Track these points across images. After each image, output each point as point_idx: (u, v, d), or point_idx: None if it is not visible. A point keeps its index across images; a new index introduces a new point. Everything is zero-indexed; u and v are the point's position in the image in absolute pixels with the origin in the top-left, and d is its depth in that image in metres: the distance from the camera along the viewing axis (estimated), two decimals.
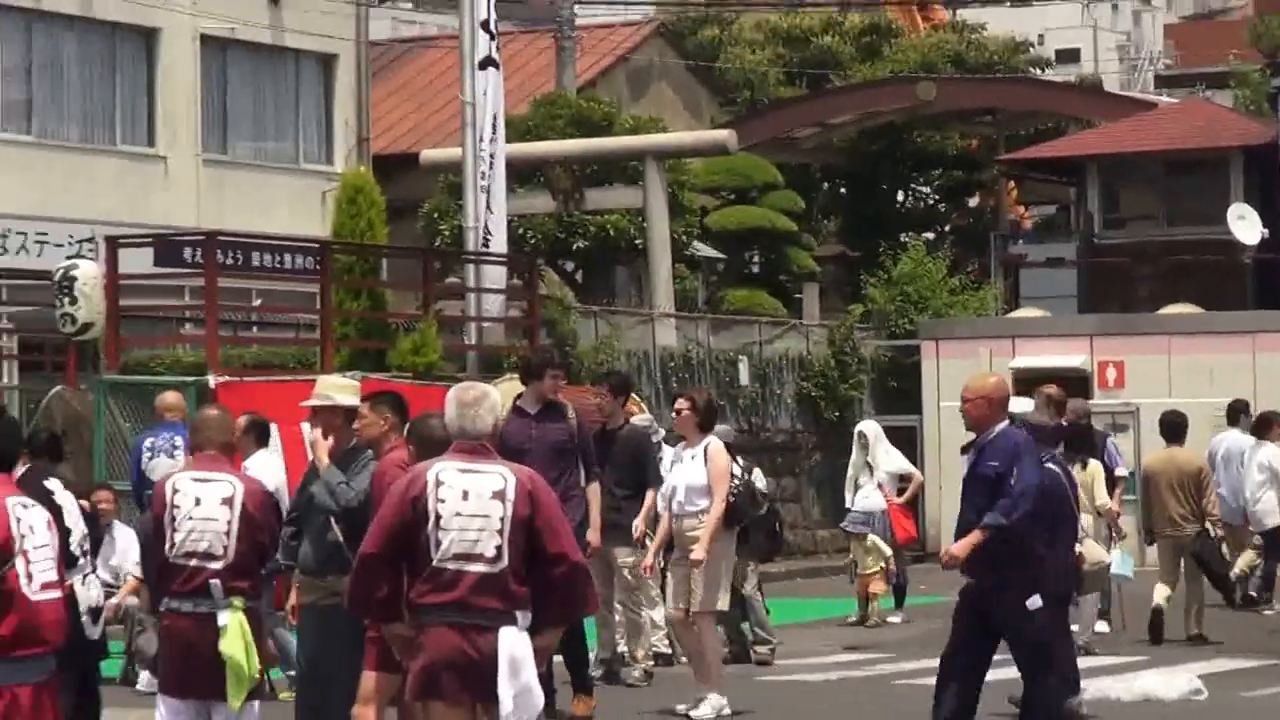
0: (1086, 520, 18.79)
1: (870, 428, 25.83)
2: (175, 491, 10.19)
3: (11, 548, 7.50)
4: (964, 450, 12.39)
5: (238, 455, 14.12)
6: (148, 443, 18.59)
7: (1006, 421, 12.21)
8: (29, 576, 7.57)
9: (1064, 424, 20.44)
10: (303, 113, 41.43)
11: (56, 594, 7.93)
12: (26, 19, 35.93)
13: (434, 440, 9.74)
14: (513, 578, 8.56)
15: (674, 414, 16.52)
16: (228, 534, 10.27)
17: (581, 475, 15.03)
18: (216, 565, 10.29)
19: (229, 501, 10.23)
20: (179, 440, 18.77)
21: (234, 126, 40.11)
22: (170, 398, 17.63)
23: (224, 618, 10.31)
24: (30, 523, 7.70)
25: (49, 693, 8.13)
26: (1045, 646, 12.08)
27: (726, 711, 13.26)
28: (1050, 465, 14.18)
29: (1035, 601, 11.68)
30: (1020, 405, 19.57)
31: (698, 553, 14.60)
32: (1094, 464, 20.26)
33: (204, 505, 10.16)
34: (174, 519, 10.18)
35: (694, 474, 15.12)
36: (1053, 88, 55.95)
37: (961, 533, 11.89)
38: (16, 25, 36.12)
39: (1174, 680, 15.22)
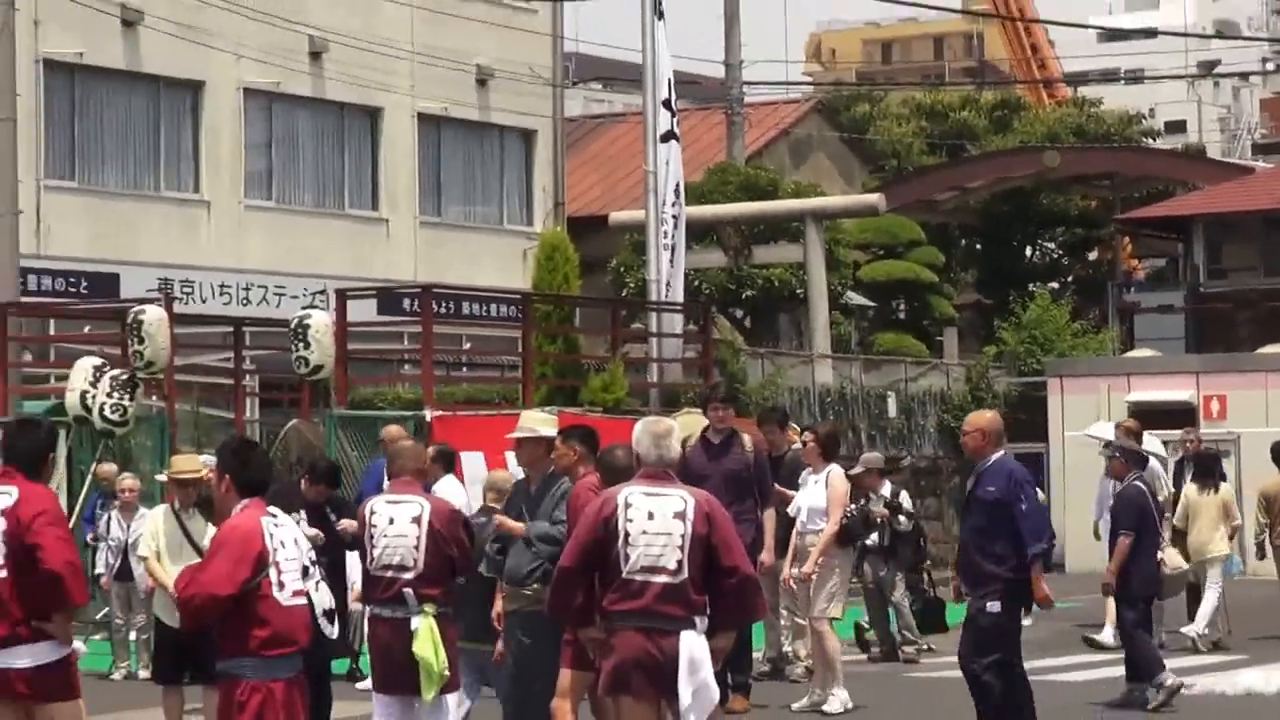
0: (1220, 532, 19.79)
1: None
2: (372, 513, 10.49)
3: (267, 559, 7.69)
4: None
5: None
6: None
7: (1002, 451, 12.08)
8: (280, 584, 7.78)
9: (1187, 450, 22.22)
10: (506, 180, 41.33)
11: (303, 600, 8.15)
12: (268, 99, 36.33)
13: (618, 468, 9.85)
14: (692, 588, 8.62)
15: (801, 444, 16.55)
16: (417, 548, 10.41)
17: (757, 501, 14.88)
18: (408, 575, 10.40)
19: (418, 520, 10.45)
20: None
21: (447, 192, 40.24)
22: (393, 430, 17.65)
23: (416, 622, 10.45)
24: (281, 538, 7.92)
25: (299, 688, 8.25)
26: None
27: (851, 705, 13.16)
28: (1138, 483, 15.04)
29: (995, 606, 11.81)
30: (1150, 443, 20.24)
31: (806, 566, 14.73)
32: (1225, 486, 20.56)
33: (396, 524, 10.42)
34: (372, 536, 10.47)
35: (816, 497, 15.19)
36: (1162, 155, 55.88)
37: (962, 547, 12.16)
38: (259, 105, 36.40)
39: (1272, 676, 15.12)
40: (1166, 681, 14.24)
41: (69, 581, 8.38)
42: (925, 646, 18.41)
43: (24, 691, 8.69)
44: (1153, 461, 21.02)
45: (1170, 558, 18.84)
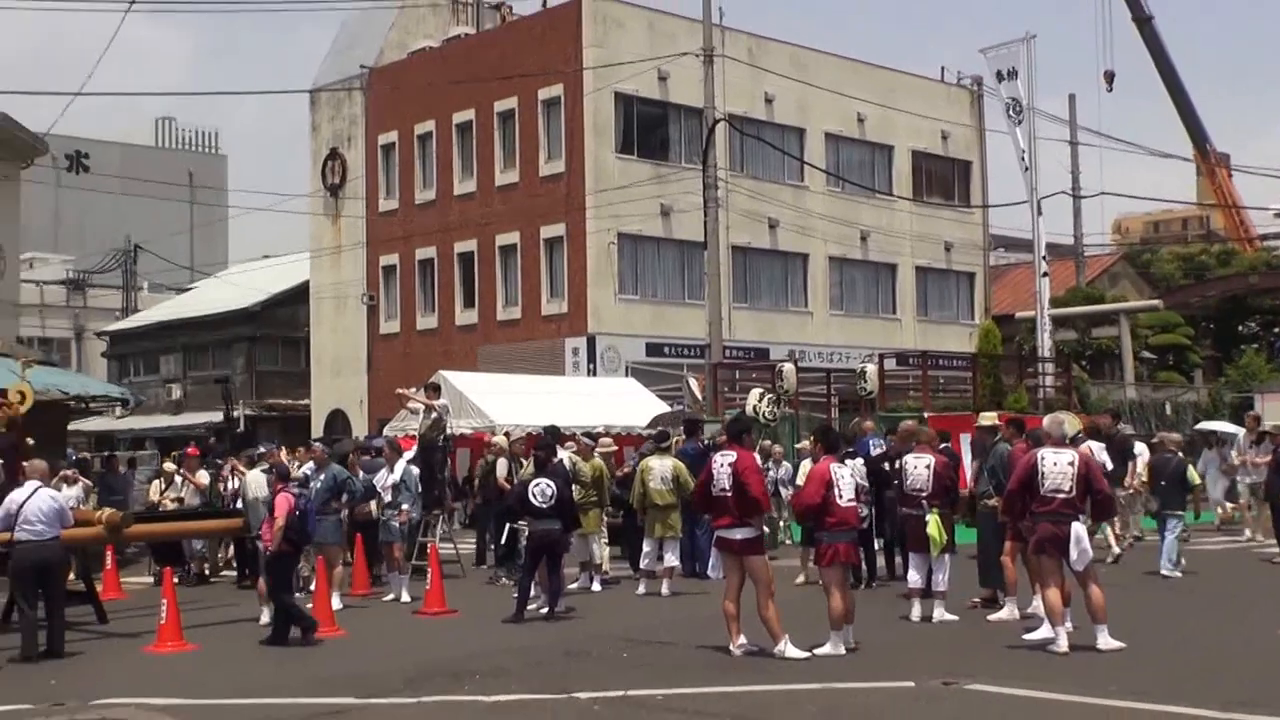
0: None
1: None
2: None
3: (831, 482, 10.94)
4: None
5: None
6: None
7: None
8: (840, 494, 11.02)
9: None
10: (960, 297, 45.72)
11: (855, 504, 11.38)
12: (840, 262, 40.61)
13: (1036, 437, 11.85)
14: (1079, 500, 10.89)
15: (1118, 431, 19.03)
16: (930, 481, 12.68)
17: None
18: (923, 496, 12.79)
19: (929, 466, 12.77)
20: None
21: (932, 304, 44.12)
22: (909, 424, 15.32)
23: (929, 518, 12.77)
24: (840, 473, 11.17)
25: (855, 547, 11.91)
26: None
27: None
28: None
29: None
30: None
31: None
32: None
33: (916, 469, 12.87)
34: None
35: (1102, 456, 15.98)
36: None
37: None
38: (835, 265, 40.30)
39: None
40: None
41: (761, 500, 11.24)
42: None
43: (738, 551, 11.24)
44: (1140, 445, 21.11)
45: None
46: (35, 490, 12.89)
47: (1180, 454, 17.62)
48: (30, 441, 15.92)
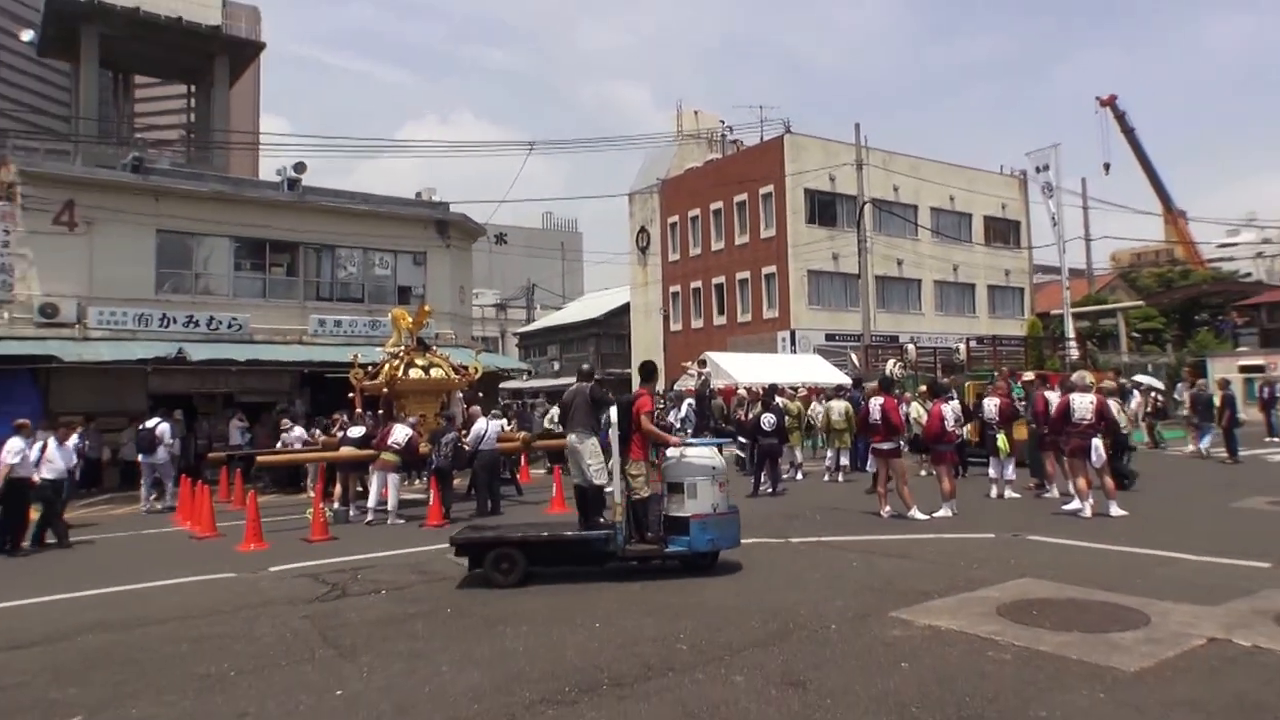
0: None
1: None
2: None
3: (943, 417, 10.00)
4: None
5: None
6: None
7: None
8: (948, 423, 9.97)
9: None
10: (1015, 304, 43.26)
11: (955, 429, 10.38)
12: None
13: (1072, 387, 10.75)
14: (1097, 425, 10.44)
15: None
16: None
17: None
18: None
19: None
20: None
21: (997, 310, 42.55)
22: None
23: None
24: (946, 410, 10.37)
25: (955, 455, 10.35)
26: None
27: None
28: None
29: None
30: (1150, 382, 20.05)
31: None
32: None
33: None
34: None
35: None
36: (1245, 283, 50.47)
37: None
38: None
39: None
40: None
41: (899, 426, 10.32)
42: None
43: (884, 455, 10.43)
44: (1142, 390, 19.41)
45: None
46: (489, 422, 13.55)
47: (1212, 387, 16.87)
48: (480, 395, 16.69)
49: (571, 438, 8.46)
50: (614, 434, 7.79)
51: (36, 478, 10.76)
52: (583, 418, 8.31)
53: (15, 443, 10.58)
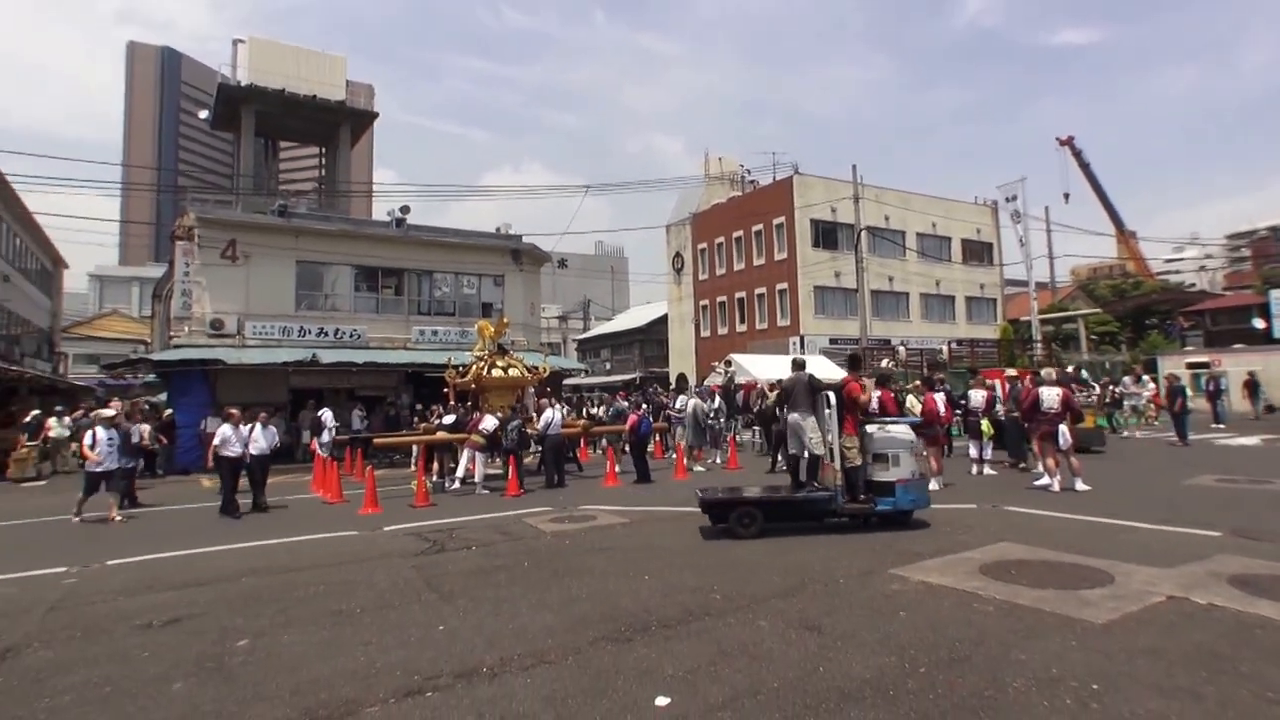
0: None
1: None
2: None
3: (936, 405, 9.10)
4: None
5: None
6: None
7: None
8: (940, 409, 9.47)
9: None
10: (989, 313, 40.24)
11: (947, 413, 9.65)
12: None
13: (1046, 381, 10.12)
14: (1062, 413, 9.99)
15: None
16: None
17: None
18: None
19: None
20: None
21: (974, 318, 39.78)
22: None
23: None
24: (938, 399, 9.90)
25: (946, 438, 9.79)
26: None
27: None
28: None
29: None
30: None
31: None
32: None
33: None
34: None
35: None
36: (1190, 293, 48.20)
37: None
38: None
39: None
40: None
41: (895, 414, 9.07)
42: None
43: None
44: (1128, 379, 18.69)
45: None
46: (554, 411, 13.11)
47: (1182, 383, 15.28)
48: (549, 389, 16.39)
49: (794, 416, 8.42)
50: (831, 414, 7.77)
51: (245, 455, 10.86)
52: (803, 400, 8.28)
53: (225, 429, 10.72)
